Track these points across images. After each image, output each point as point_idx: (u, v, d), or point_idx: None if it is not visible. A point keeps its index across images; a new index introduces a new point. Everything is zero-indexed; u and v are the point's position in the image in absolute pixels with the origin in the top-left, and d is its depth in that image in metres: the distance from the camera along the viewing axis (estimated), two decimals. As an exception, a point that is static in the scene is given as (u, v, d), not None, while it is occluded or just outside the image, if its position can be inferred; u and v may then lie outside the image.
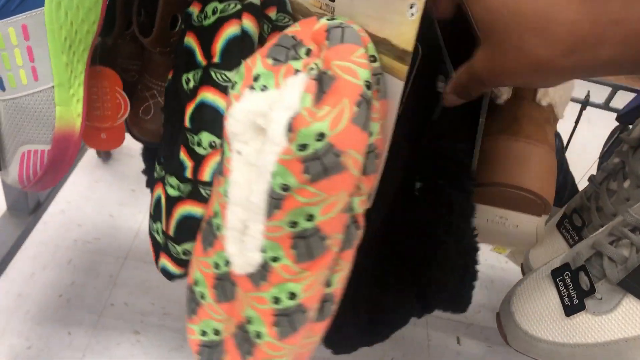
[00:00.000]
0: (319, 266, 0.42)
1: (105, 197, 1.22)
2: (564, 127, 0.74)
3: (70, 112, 0.48)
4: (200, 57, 0.48)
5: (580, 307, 0.50)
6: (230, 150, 0.42)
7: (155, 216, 0.57)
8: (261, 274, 0.43)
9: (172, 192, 0.52)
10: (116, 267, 1.10)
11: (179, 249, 0.53)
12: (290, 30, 0.41)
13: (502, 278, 1.26)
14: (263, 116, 0.38)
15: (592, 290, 0.50)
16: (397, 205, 0.45)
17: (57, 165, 0.50)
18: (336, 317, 0.46)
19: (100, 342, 0.98)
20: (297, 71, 0.38)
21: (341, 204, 0.39)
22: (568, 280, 0.52)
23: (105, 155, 1.26)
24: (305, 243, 0.41)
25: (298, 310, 0.43)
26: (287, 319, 0.43)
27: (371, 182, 0.41)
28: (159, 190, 0.56)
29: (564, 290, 0.52)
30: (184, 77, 0.49)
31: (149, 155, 0.64)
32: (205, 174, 0.49)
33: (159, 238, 0.57)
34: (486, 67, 0.38)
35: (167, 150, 0.52)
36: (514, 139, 0.54)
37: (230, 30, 0.46)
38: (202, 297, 0.49)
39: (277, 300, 0.43)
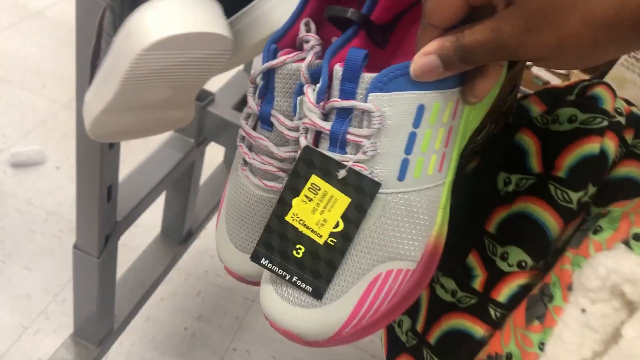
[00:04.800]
0: None
1: (239, 230, 1.22)
2: None
3: (446, 216, 0.40)
4: (534, 163, 0.44)
5: None
6: (567, 300, 0.38)
7: None
8: None
9: (444, 297, 0.48)
10: (243, 309, 1.09)
11: None
12: None
13: None
14: (633, 284, 0.34)
15: None
16: None
17: (411, 294, 0.39)
18: None
19: (219, 389, 0.97)
20: None
21: None
22: None
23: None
24: None
25: None
26: None
27: None
28: None
29: None
30: (503, 176, 0.45)
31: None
32: (502, 295, 0.45)
33: (402, 335, 0.53)
34: (517, 34, 0.31)
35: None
36: None
37: (589, 147, 0.42)
38: None
39: None
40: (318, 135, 0.37)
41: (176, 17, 0.41)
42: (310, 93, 0.37)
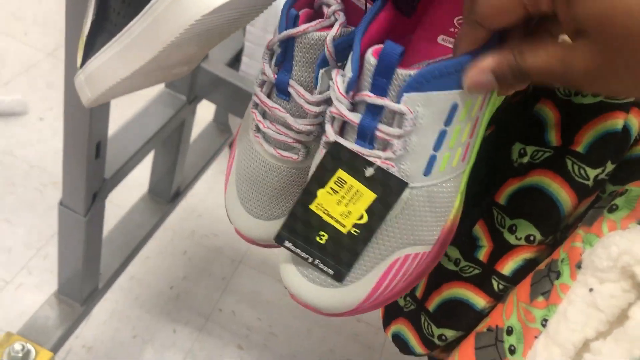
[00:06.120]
0: None
1: (227, 190, 1.21)
2: None
3: (463, 197, 0.41)
4: (552, 135, 0.42)
5: None
6: (575, 278, 0.37)
7: None
8: None
9: (447, 265, 0.47)
10: (230, 270, 1.08)
11: (436, 331, 0.48)
12: None
13: None
14: None
15: None
16: None
17: (425, 272, 0.41)
18: None
19: (203, 349, 0.97)
20: None
21: None
22: None
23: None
24: None
25: None
26: None
27: None
28: None
29: None
30: (518, 146, 0.44)
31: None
32: (507, 267, 0.44)
33: (400, 299, 0.52)
34: (590, 73, 0.29)
35: None
36: None
37: (612, 122, 0.40)
38: None
39: None
40: (345, 123, 0.36)
41: None
42: (340, 82, 0.35)
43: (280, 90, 0.40)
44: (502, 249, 0.44)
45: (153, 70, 0.46)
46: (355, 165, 0.36)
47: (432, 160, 0.36)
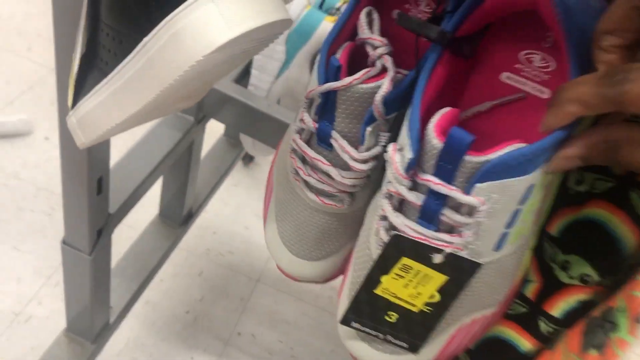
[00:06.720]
0: None
1: (242, 204, 1.16)
2: None
3: (530, 254, 0.39)
4: None
5: None
6: (635, 334, 0.34)
7: None
8: None
9: None
10: (247, 290, 1.04)
11: None
12: None
13: None
14: None
15: None
16: None
17: (488, 329, 0.40)
18: None
19: (223, 376, 0.92)
20: None
21: None
22: None
23: (248, 158, 1.19)
24: None
25: None
26: None
27: None
28: None
29: None
30: (576, 173, 0.40)
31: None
32: (557, 308, 0.40)
33: None
34: None
35: None
36: None
37: None
38: None
39: None
40: (404, 200, 0.33)
41: (240, 9, 0.32)
42: (399, 160, 0.31)
43: (321, 139, 0.37)
44: (552, 287, 0.40)
45: (151, 110, 0.41)
46: (421, 253, 0.33)
47: (503, 236, 0.33)
